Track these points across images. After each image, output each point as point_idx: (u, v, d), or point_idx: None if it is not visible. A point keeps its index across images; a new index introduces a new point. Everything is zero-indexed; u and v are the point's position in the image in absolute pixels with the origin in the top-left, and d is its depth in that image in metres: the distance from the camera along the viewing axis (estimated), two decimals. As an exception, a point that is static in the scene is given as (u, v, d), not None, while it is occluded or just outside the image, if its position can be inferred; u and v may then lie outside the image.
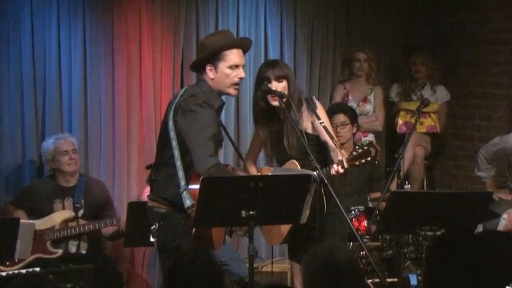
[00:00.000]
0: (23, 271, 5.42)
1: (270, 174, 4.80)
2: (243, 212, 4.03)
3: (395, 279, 5.50)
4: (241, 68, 4.49)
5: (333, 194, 4.33)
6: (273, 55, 6.94)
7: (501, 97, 7.02)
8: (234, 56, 4.46)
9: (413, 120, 5.73)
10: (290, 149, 4.65)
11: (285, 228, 4.66)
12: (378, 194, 5.93)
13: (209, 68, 4.45)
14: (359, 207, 5.79)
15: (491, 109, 7.09)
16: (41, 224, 5.76)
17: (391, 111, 7.33)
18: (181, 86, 6.46)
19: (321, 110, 4.68)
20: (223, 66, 4.44)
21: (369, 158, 4.35)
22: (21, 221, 5.09)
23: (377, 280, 5.21)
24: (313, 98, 4.75)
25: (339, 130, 6.07)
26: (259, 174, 4.90)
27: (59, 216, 5.86)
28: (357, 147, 4.41)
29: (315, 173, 4.37)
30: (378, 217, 5.30)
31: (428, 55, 7.32)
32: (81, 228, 5.83)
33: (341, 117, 6.09)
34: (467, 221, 4.45)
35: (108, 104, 6.50)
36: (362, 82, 7.19)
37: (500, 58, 7.02)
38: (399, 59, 7.58)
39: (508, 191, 6.27)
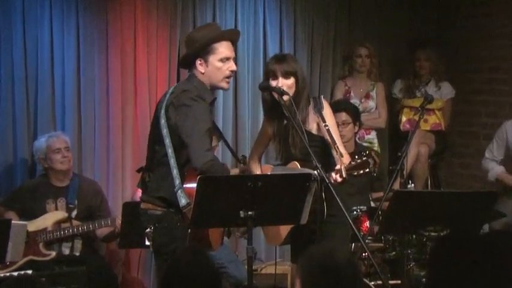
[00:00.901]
0: (15, 274, 5.40)
1: (269, 173, 4.74)
2: (241, 212, 3.97)
3: (399, 281, 5.45)
4: (232, 60, 4.43)
5: (335, 194, 4.24)
6: (272, 52, 6.84)
7: (508, 93, 6.97)
8: (224, 48, 4.40)
9: (417, 118, 5.64)
10: (294, 148, 4.58)
11: (285, 229, 4.60)
12: (381, 194, 5.86)
13: (199, 62, 4.39)
14: (361, 207, 5.72)
15: (498, 106, 7.04)
16: (33, 225, 5.69)
17: (394, 108, 7.28)
18: (177, 85, 6.39)
19: (327, 111, 4.61)
20: (214, 60, 4.38)
21: (367, 170, 4.29)
22: (12, 222, 5.01)
23: (380, 282, 5.18)
24: (321, 97, 4.67)
25: (341, 129, 5.95)
26: (259, 172, 4.84)
27: (51, 217, 5.80)
28: (356, 157, 4.34)
29: (315, 172, 4.28)
30: (381, 217, 5.19)
31: (432, 50, 7.26)
32: (75, 230, 5.77)
33: (343, 116, 6.00)
34: (472, 221, 4.40)
35: (103, 103, 6.44)
36: (363, 78, 7.13)
37: (507, 53, 6.97)
38: (403, 54, 7.52)
39: None
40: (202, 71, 4.38)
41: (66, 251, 5.81)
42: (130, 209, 5.57)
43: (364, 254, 5.31)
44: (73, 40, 6.32)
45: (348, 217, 4.27)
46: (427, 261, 3.18)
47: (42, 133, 6.07)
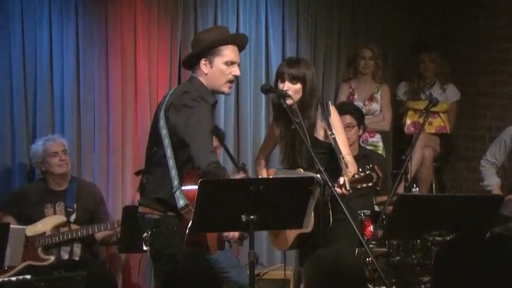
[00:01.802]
0: (13, 279, 5.36)
1: (272, 177, 4.72)
2: (243, 216, 3.92)
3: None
4: (236, 65, 4.40)
5: (339, 200, 4.23)
6: (275, 54, 6.87)
7: (513, 96, 6.94)
8: (230, 52, 4.37)
9: (421, 120, 5.60)
10: (300, 157, 4.56)
11: (293, 233, 4.57)
12: (385, 198, 5.80)
13: (204, 62, 4.35)
14: (365, 211, 5.71)
15: (503, 108, 7.00)
16: (31, 229, 5.65)
17: (398, 110, 7.25)
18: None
19: (334, 118, 4.58)
20: (219, 62, 4.34)
21: (370, 184, 4.31)
22: (11, 226, 5.02)
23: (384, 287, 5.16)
24: (328, 103, 4.63)
25: (345, 132, 5.90)
26: (265, 175, 4.82)
27: (50, 221, 5.76)
28: (359, 170, 4.35)
29: (318, 175, 4.26)
30: (385, 222, 5.21)
31: (437, 52, 7.23)
32: (74, 234, 5.73)
33: (347, 119, 5.95)
34: (477, 226, 4.39)
35: (102, 105, 6.40)
36: (368, 80, 7.08)
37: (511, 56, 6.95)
38: (407, 56, 7.49)
39: None
40: (206, 72, 4.34)
41: (65, 256, 5.78)
42: (130, 213, 5.50)
43: (367, 259, 5.24)
44: (72, 42, 6.28)
45: (351, 222, 4.24)
46: (432, 266, 3.14)
47: (41, 136, 6.03)
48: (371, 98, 7.01)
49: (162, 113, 4.28)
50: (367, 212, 5.71)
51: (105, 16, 6.37)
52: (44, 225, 5.71)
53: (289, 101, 4.45)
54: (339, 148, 4.42)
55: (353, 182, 4.27)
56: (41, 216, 5.76)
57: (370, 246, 5.36)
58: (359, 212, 5.61)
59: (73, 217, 5.83)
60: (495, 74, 7.07)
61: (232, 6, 6.74)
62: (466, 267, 2.56)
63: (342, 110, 6.01)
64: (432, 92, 7.03)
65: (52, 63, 6.23)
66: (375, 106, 7.00)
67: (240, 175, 4.99)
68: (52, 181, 5.87)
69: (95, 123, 6.38)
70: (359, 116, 6.10)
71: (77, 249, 5.81)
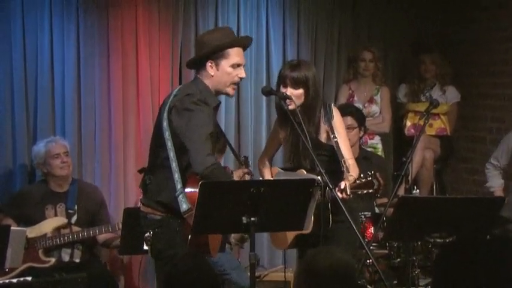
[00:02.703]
0: (14, 281, 5.36)
1: (272, 178, 4.73)
2: (243, 218, 3.90)
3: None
4: (242, 67, 4.40)
5: (341, 203, 4.22)
6: (275, 55, 6.86)
7: (514, 98, 6.91)
8: (236, 54, 4.37)
9: (422, 122, 5.60)
10: (304, 159, 4.56)
11: (292, 233, 4.58)
12: (385, 200, 5.80)
13: (210, 64, 4.33)
14: (365, 213, 5.71)
15: (504, 110, 6.96)
16: (32, 231, 5.64)
17: (399, 112, 7.23)
18: (180, 87, 6.34)
19: (337, 121, 4.58)
20: (225, 64, 4.34)
21: (371, 191, 4.35)
22: (12, 228, 5.00)
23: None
24: (331, 105, 4.64)
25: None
26: (269, 176, 4.84)
27: (51, 223, 5.75)
28: (361, 176, 4.37)
29: (319, 177, 4.25)
30: (385, 223, 5.20)
31: (438, 54, 7.21)
32: (75, 236, 5.73)
33: (348, 120, 5.94)
34: (478, 228, 4.35)
35: (103, 107, 6.40)
36: (368, 82, 7.07)
37: (512, 57, 6.93)
38: (408, 58, 7.46)
39: None
40: (212, 74, 4.33)
41: (66, 258, 5.77)
42: (131, 215, 5.52)
43: (368, 261, 5.23)
44: (73, 45, 6.27)
45: (352, 223, 4.23)
46: (433, 268, 3.15)
47: (42, 138, 6.02)
48: (371, 100, 7.00)
49: (165, 115, 4.27)
50: (368, 213, 5.72)
51: (106, 18, 6.37)
52: (45, 227, 5.70)
53: (291, 106, 4.45)
54: (341, 152, 4.43)
55: (354, 187, 4.30)
56: (42, 217, 5.75)
57: (371, 248, 5.35)
58: (360, 213, 5.62)
59: (74, 219, 5.82)
60: (496, 76, 7.04)
61: (233, 8, 6.73)
62: (466, 269, 2.56)
63: (343, 111, 5.99)
64: (432, 94, 7.02)
65: (53, 65, 6.23)
66: (375, 108, 6.99)
67: (243, 170, 5.00)
68: (53, 182, 5.86)
69: (96, 125, 6.37)
70: (360, 117, 6.10)
71: (78, 251, 5.80)
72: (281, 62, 6.69)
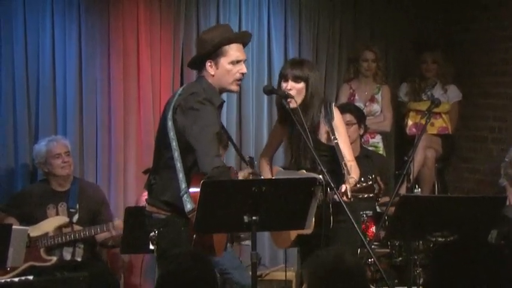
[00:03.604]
0: (16, 279, 5.35)
1: (274, 177, 4.72)
2: (245, 217, 3.89)
3: (405, 288, 5.42)
4: (243, 63, 4.38)
5: (342, 202, 4.23)
6: (277, 54, 6.86)
7: (516, 97, 6.90)
8: (235, 51, 4.35)
9: (423, 121, 5.60)
10: (305, 159, 4.57)
11: (294, 232, 4.58)
12: (387, 199, 5.80)
13: (209, 64, 4.33)
14: (367, 212, 5.69)
15: (506, 109, 6.95)
16: (34, 230, 5.63)
17: (400, 111, 7.22)
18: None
19: (338, 122, 4.58)
20: (224, 62, 4.32)
21: (372, 195, 4.35)
22: (13, 227, 5.00)
23: (386, 288, 5.13)
24: (331, 105, 4.63)
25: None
26: (269, 174, 4.85)
27: (52, 222, 5.75)
28: (362, 180, 4.35)
29: (320, 176, 4.24)
30: (387, 222, 5.17)
31: (439, 53, 7.20)
32: (76, 235, 5.72)
33: (347, 117, 5.96)
34: (480, 227, 4.36)
35: (104, 105, 6.39)
36: (369, 81, 7.07)
37: (514, 56, 6.92)
38: (409, 57, 7.47)
39: None
40: (212, 73, 4.32)
41: (68, 257, 5.77)
42: (132, 214, 5.54)
43: (370, 260, 5.26)
44: (75, 44, 6.27)
45: (353, 222, 4.24)
46: (429, 265, 3.14)
47: (44, 137, 6.01)
48: (372, 99, 7.00)
49: (170, 114, 4.25)
50: (370, 213, 5.74)
51: (107, 17, 6.37)
52: (47, 226, 5.70)
53: (292, 104, 4.45)
54: (341, 154, 4.42)
55: (354, 191, 4.29)
56: (44, 216, 5.75)
57: (373, 247, 5.38)
58: (361, 213, 5.63)
59: (75, 218, 5.81)
60: (497, 75, 7.03)
61: (234, 7, 6.74)
62: (462, 268, 2.57)
63: (343, 109, 6.03)
64: (433, 93, 7.01)
65: (55, 64, 6.23)
66: (376, 107, 6.98)
67: (248, 170, 5.00)
68: (54, 182, 5.86)
69: (98, 124, 6.37)
70: (359, 114, 6.11)
71: (80, 250, 5.80)
72: (282, 61, 6.68)
